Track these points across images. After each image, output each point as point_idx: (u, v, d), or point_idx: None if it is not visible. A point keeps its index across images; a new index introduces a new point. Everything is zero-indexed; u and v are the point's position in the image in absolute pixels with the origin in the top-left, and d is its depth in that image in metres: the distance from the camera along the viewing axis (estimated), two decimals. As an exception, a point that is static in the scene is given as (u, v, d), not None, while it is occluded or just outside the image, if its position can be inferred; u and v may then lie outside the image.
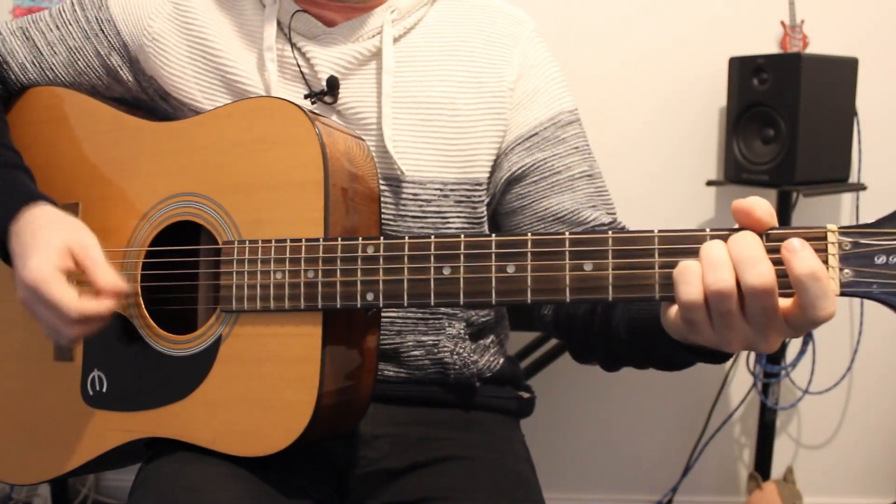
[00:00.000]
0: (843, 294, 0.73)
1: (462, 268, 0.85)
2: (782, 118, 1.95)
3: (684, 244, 0.77)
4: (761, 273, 0.72)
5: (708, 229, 0.77)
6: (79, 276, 0.95)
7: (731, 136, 2.07)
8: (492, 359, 1.19)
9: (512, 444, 1.18)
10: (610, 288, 0.80)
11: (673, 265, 0.76)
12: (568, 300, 0.81)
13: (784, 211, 2.07)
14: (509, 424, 1.22)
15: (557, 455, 2.35)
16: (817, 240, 0.74)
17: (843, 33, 2.15)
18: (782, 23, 2.13)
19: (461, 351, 1.13)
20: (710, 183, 2.19)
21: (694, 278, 0.74)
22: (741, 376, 2.29)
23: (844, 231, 0.73)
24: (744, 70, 2.02)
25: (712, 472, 2.35)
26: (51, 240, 0.95)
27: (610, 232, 0.80)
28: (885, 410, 2.32)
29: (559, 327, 1.11)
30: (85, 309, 0.92)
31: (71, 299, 0.92)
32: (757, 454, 2.20)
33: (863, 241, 0.73)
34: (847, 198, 2.25)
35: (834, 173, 2.06)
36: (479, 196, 1.11)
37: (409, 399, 1.13)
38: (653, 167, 2.23)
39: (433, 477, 1.07)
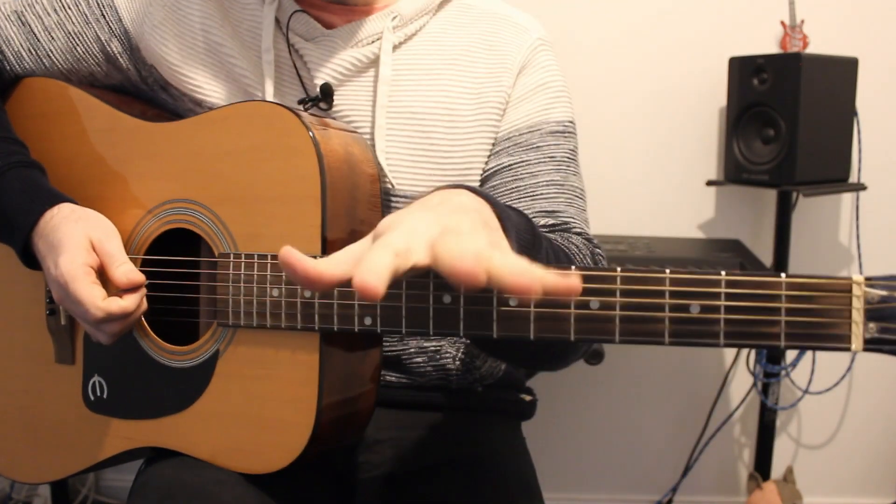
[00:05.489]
0: (866, 350, 0.68)
1: (462, 297, 0.80)
2: (782, 118, 1.94)
3: (697, 287, 0.73)
4: None
5: (723, 272, 0.73)
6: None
7: (731, 136, 2.06)
8: (494, 364, 1.18)
9: (513, 447, 1.18)
10: (617, 330, 0.75)
11: (685, 308, 0.73)
12: (572, 339, 0.77)
13: (784, 211, 2.07)
14: (511, 427, 1.22)
15: (557, 456, 2.35)
16: (841, 291, 0.69)
17: (843, 33, 2.14)
18: (782, 23, 2.12)
19: (464, 356, 1.12)
20: (710, 183, 2.18)
21: None
22: (741, 376, 2.29)
23: (871, 283, 0.68)
24: (744, 70, 2.01)
25: (712, 472, 2.35)
26: (73, 234, 0.95)
27: (619, 269, 0.76)
28: (885, 410, 2.32)
29: None
30: (108, 308, 0.92)
31: (94, 298, 0.92)
32: (757, 454, 2.19)
33: (895, 294, 0.67)
34: (847, 198, 2.25)
35: (834, 173, 2.05)
36: None
37: (412, 403, 1.13)
38: (653, 167, 2.23)
39: (435, 481, 1.07)
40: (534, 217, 1.02)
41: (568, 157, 1.09)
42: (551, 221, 1.04)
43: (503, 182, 1.07)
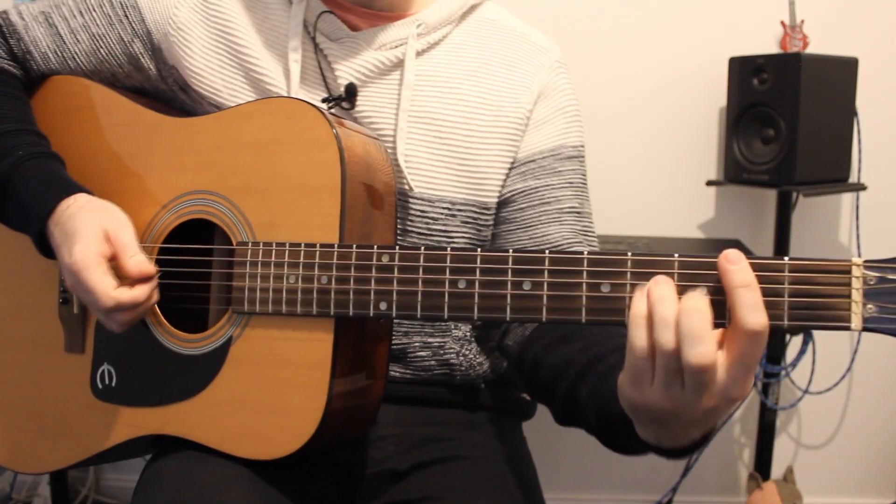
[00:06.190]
0: (865, 329, 0.71)
1: (477, 282, 0.84)
2: (782, 118, 1.94)
3: (705, 269, 0.75)
4: (700, 353, 0.69)
5: (728, 256, 0.74)
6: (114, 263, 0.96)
7: (731, 136, 2.06)
8: (497, 360, 1.19)
9: (514, 444, 1.19)
10: (627, 311, 0.76)
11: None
12: (584, 321, 0.79)
13: (784, 211, 2.07)
14: (511, 425, 1.23)
15: (557, 455, 2.34)
16: (841, 273, 0.72)
17: (843, 33, 2.15)
18: (782, 23, 2.13)
19: (467, 353, 1.13)
20: (710, 183, 2.18)
21: (643, 331, 0.73)
22: (741, 376, 2.28)
23: (870, 265, 0.71)
24: (744, 70, 2.01)
25: (712, 472, 2.35)
26: (89, 223, 0.96)
27: (629, 253, 0.78)
28: (886, 410, 2.33)
29: (521, 369, 1.09)
30: (119, 297, 0.93)
31: (106, 288, 0.93)
32: (757, 454, 2.19)
33: (890, 276, 0.71)
34: (847, 198, 2.25)
35: (834, 173, 2.06)
36: (486, 220, 1.11)
37: (415, 399, 1.14)
38: (653, 167, 2.23)
39: (436, 476, 1.08)
40: (569, 247, 1.10)
41: (582, 183, 1.15)
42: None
43: (531, 204, 1.11)
